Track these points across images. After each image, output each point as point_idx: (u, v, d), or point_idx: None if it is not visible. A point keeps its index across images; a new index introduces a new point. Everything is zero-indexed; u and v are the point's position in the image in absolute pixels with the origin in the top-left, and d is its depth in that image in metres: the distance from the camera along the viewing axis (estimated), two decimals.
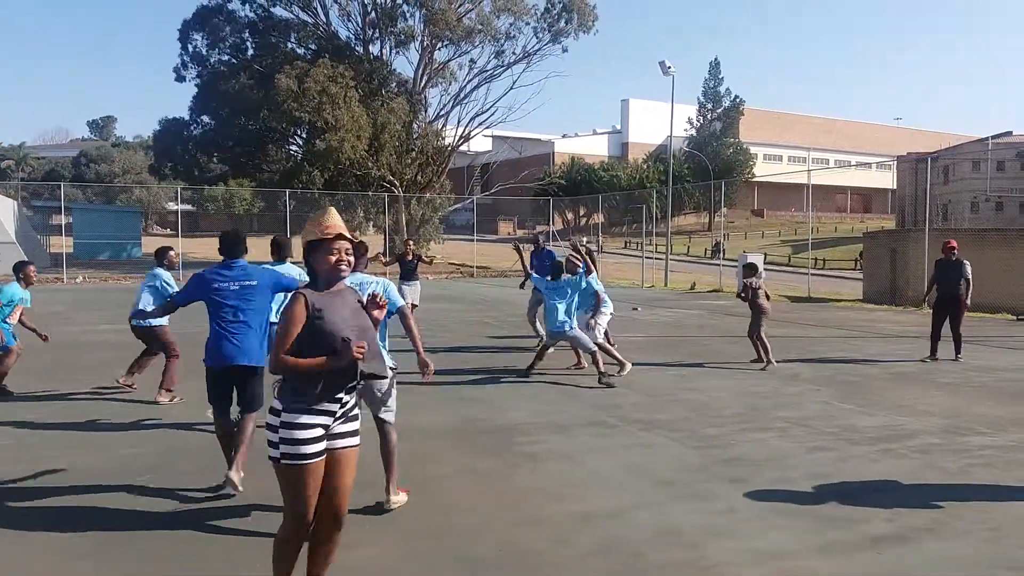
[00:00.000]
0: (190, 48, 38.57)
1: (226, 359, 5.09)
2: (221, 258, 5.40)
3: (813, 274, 27.03)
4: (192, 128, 39.38)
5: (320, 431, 3.14)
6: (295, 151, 40.64)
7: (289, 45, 39.34)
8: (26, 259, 8.91)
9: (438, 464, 5.75)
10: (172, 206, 62.73)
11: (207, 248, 44.50)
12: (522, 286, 12.36)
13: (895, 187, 69.35)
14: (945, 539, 4.37)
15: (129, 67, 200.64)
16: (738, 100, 77.05)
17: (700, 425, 7.00)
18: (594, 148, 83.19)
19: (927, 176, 25.94)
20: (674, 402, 8.02)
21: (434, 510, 4.80)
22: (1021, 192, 52.97)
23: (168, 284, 7.77)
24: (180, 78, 38.84)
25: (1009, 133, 60.83)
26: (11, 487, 5.15)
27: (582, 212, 73.49)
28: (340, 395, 3.19)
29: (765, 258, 28.83)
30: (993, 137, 59.40)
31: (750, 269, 11.08)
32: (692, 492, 5.15)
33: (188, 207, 65.51)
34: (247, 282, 5.25)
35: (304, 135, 38.37)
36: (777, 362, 10.39)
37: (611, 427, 6.92)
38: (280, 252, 6.79)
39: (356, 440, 3.30)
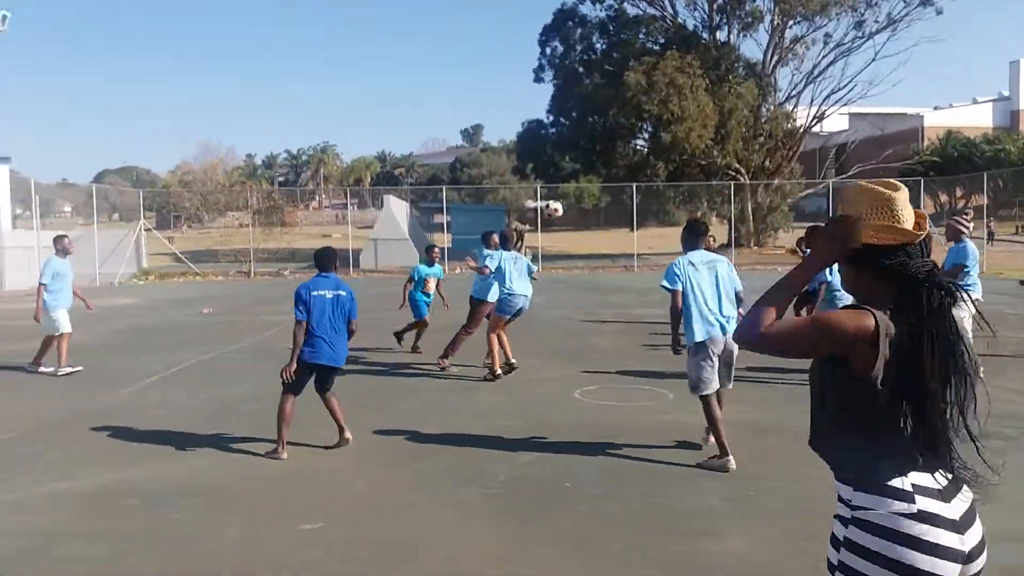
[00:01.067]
0: (547, 51, 41.39)
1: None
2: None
3: None
4: (549, 129, 42.27)
5: None
6: (641, 145, 41.53)
7: (639, 41, 40.24)
8: (432, 244, 11.82)
9: (800, 464, 5.49)
10: (531, 203, 68.00)
11: (561, 241, 47.85)
12: None
13: None
14: None
15: (494, 76, 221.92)
16: None
17: None
18: (974, 119, 72.21)
19: None
20: None
21: (807, 507, 4.63)
22: None
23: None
24: (538, 79, 41.86)
25: None
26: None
27: (959, 193, 64.37)
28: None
29: None
30: None
31: None
32: None
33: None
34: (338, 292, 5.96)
35: (650, 129, 39.03)
36: None
37: (1009, 439, 6.03)
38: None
39: None
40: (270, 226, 32.33)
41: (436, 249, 11.28)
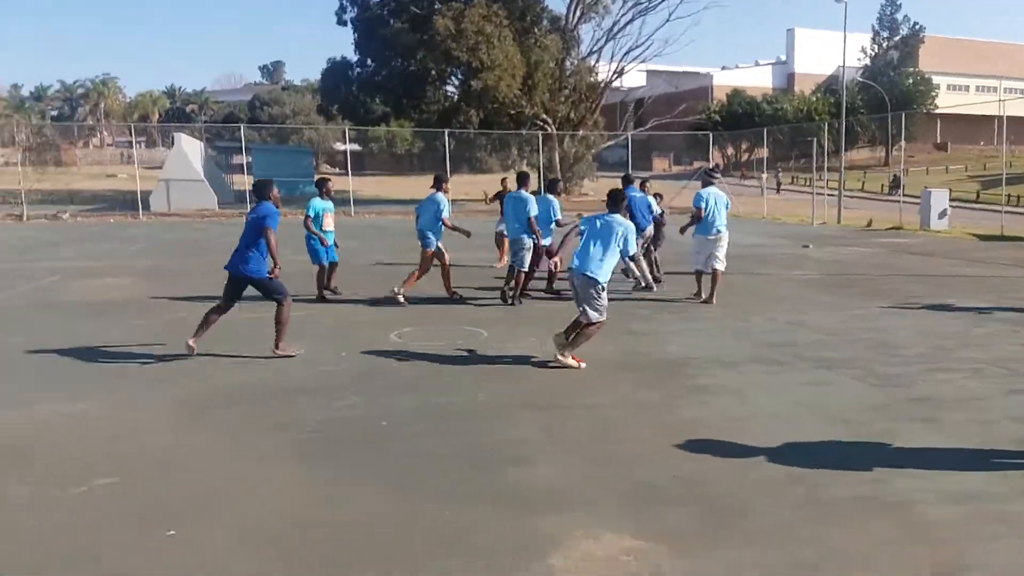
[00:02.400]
0: None
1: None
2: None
3: (1007, 211, 24.56)
4: (355, 69, 40.80)
5: None
6: (452, 92, 41.32)
7: None
8: (325, 177, 10.89)
9: (605, 393, 5.86)
10: (340, 146, 65.84)
11: (373, 186, 46.80)
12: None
13: None
14: None
15: (294, 12, 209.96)
16: (918, 27, 70.34)
17: (880, 364, 6.67)
18: (756, 80, 78.70)
19: None
20: (851, 340, 7.67)
21: (605, 434, 4.91)
22: None
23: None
24: (341, 22, 40.13)
25: None
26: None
27: (744, 147, 70.26)
28: None
29: (950, 194, 26.47)
30: None
31: None
32: (874, 430, 4.96)
33: (355, 147, 68.53)
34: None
35: (460, 76, 38.88)
36: (965, 307, 9.65)
37: (782, 364, 6.74)
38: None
39: None
40: (43, 165, 28.97)
41: (330, 182, 10.43)
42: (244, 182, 35.19)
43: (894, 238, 20.90)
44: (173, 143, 33.87)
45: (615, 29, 38.73)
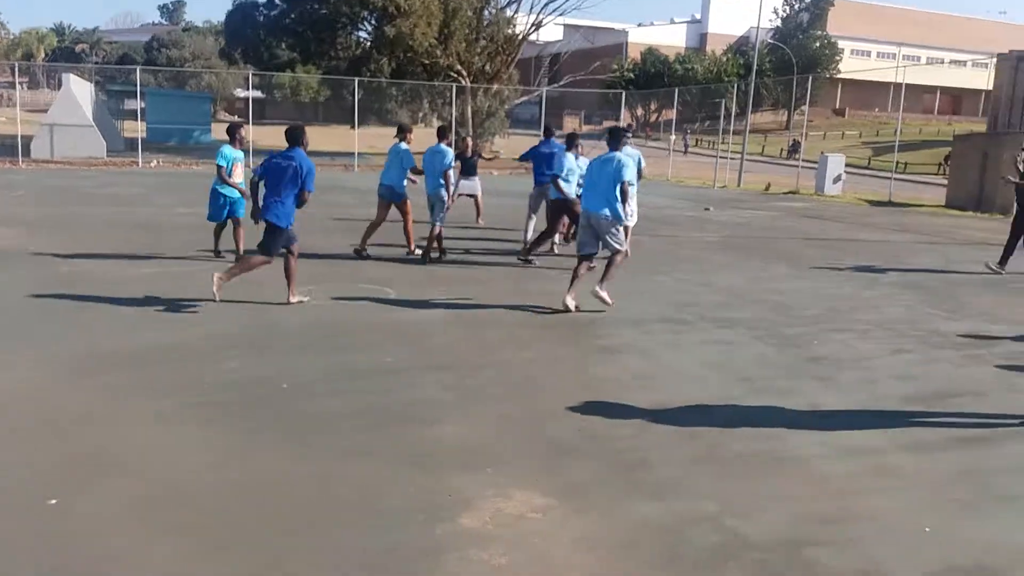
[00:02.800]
0: None
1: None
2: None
3: (896, 178, 25.86)
4: (262, 11, 38.98)
5: None
6: (364, 38, 40.04)
7: None
8: (238, 122, 9.54)
9: (515, 351, 5.87)
10: (241, 93, 63.08)
11: (275, 137, 44.95)
12: None
13: (991, 87, 64.90)
14: None
15: None
16: None
17: (779, 325, 6.94)
18: (671, 39, 79.59)
19: None
20: (752, 302, 7.94)
21: (515, 393, 4.93)
22: None
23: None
24: None
25: None
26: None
27: (653, 107, 71.18)
28: None
29: (845, 160, 27.63)
30: None
31: None
32: (773, 388, 5.16)
33: (258, 94, 65.75)
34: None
35: (374, 21, 37.68)
36: (855, 268, 10.12)
37: (688, 324, 6.92)
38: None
39: None
40: None
41: (243, 128, 9.21)
42: (137, 129, 33.27)
43: (791, 202, 21.73)
44: (61, 85, 31.58)
45: None
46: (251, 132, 31.24)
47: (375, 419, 4.41)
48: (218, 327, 6.26)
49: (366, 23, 38.86)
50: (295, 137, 6.80)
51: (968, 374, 5.60)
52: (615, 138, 7.23)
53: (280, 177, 6.62)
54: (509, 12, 38.84)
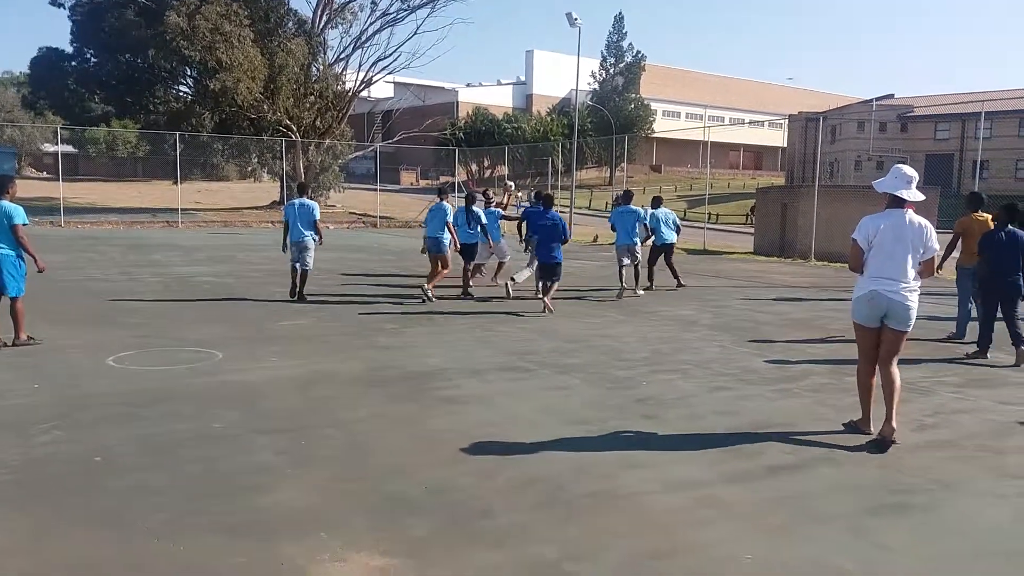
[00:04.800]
0: None
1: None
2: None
3: (708, 228, 27.97)
4: (73, 61, 36.57)
5: None
6: (185, 92, 38.52)
7: None
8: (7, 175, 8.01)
9: (352, 409, 5.72)
10: (50, 147, 58.50)
11: (89, 193, 41.92)
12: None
13: (785, 145, 72.28)
14: (840, 467, 4.71)
15: None
16: (640, 56, 77.98)
17: (613, 368, 7.22)
18: (499, 99, 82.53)
19: (817, 135, 27.03)
20: (587, 347, 8.22)
21: (353, 452, 4.79)
22: (900, 152, 56.13)
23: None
24: (56, 3, 35.80)
25: (891, 96, 64.22)
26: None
27: (486, 163, 73.13)
28: None
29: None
30: (876, 99, 62.53)
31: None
32: (606, 429, 5.33)
33: (69, 148, 61.18)
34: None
35: (195, 75, 36.37)
36: (678, 313, 10.76)
37: (527, 371, 7.04)
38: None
39: None
40: None
41: (14, 181, 7.72)
42: None
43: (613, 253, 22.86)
44: None
45: (363, 38, 38.53)
46: (61, 189, 29.07)
47: (201, 490, 4.12)
48: (25, 399, 5.66)
49: (187, 78, 37.50)
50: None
51: (779, 407, 6.06)
52: (628, 198, 12.69)
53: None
54: (338, 69, 38.84)
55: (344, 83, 38.81)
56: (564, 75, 70.43)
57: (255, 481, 4.27)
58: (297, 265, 10.97)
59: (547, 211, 10.97)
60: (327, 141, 37.02)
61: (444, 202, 11.55)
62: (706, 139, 35.17)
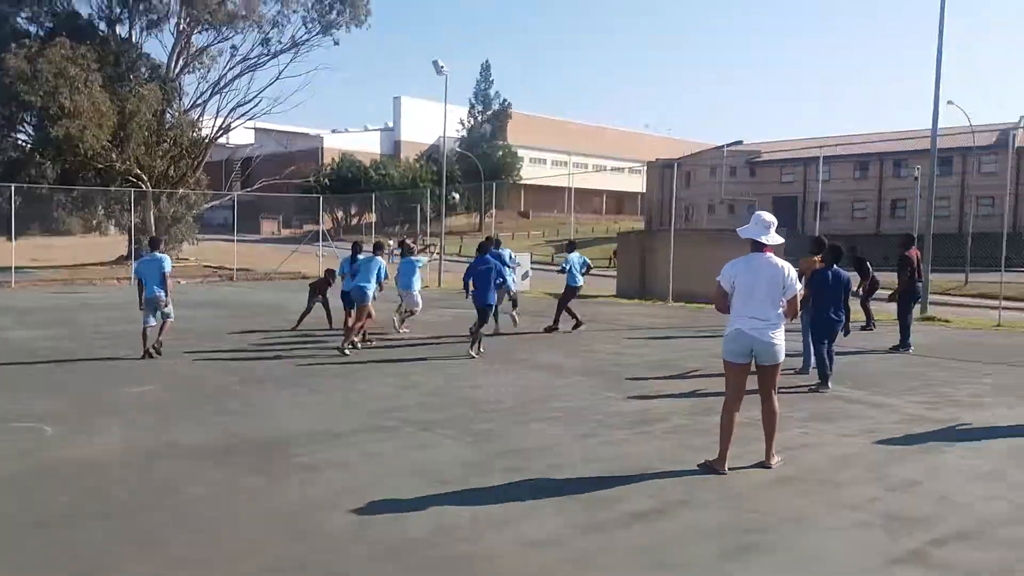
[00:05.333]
0: None
1: None
2: None
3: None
4: None
5: None
6: (24, 140, 35.99)
7: (18, 20, 34.80)
8: None
9: (199, 484, 5.34)
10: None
11: None
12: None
13: (645, 190, 75.79)
14: (696, 510, 4.82)
15: None
16: (507, 103, 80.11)
17: (477, 421, 7.14)
18: (366, 145, 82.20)
19: (673, 180, 28.48)
20: (453, 400, 8.11)
21: (199, 535, 4.44)
22: (750, 195, 60.07)
23: None
24: None
25: (740, 142, 68.80)
26: None
27: (353, 211, 72.32)
28: None
29: (532, 257, 30.10)
30: (727, 145, 66.80)
31: None
32: (469, 487, 5.23)
33: None
34: None
35: (34, 122, 34.08)
36: (545, 359, 10.87)
37: (390, 431, 6.84)
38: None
39: None
40: None
41: None
42: None
43: None
44: None
45: (222, 83, 37.47)
46: None
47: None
48: None
49: (26, 124, 35.13)
50: None
51: (642, 451, 6.16)
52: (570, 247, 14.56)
53: None
54: (194, 115, 37.51)
55: (200, 130, 37.49)
56: (432, 122, 71.15)
57: (85, 569, 3.87)
58: (151, 324, 10.84)
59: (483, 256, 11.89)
60: (180, 190, 35.42)
61: (379, 256, 12.27)
62: (570, 185, 36.33)
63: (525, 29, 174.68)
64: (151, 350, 10.70)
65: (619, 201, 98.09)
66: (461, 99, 79.39)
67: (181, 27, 36.06)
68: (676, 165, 33.20)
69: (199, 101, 37.93)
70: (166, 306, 10.88)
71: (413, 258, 13.89)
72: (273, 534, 4.39)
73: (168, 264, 11.01)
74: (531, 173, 78.21)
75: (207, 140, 37.69)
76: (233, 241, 33.93)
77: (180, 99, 37.42)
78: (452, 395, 8.38)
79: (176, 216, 35.75)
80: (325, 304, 14.28)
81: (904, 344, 11.92)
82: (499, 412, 7.54)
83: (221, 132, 38.44)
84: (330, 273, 14.72)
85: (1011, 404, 8.07)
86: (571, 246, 15.51)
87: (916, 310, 14.11)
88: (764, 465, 5.66)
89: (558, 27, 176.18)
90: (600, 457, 5.97)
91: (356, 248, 12.89)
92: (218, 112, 37.92)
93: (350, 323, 11.98)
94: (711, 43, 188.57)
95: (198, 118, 37.71)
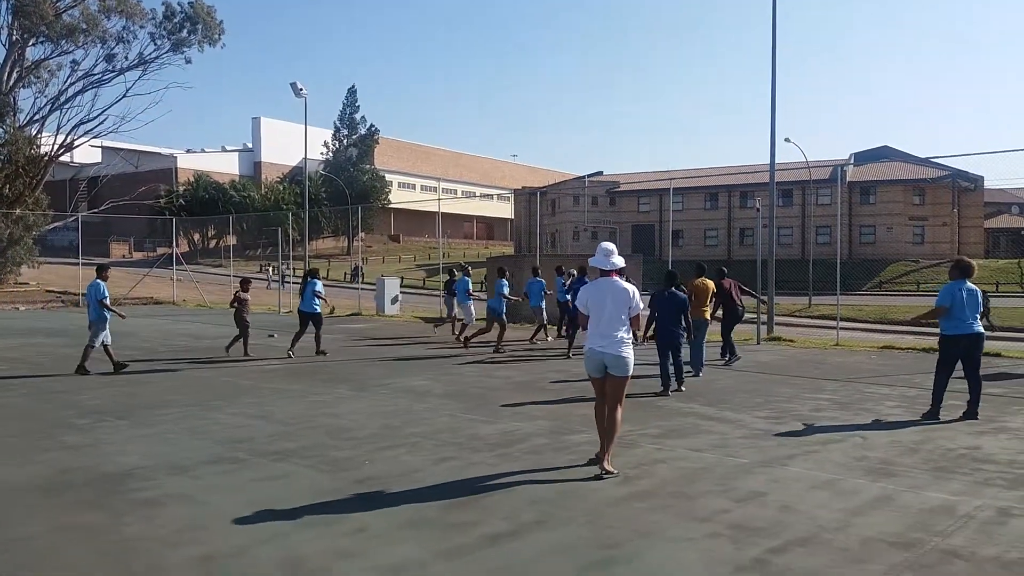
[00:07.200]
0: None
1: None
2: None
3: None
4: None
5: None
6: None
7: None
8: None
9: (27, 524, 4.87)
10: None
11: None
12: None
13: (513, 217, 77.09)
14: (553, 529, 4.85)
15: None
16: (373, 128, 79.40)
17: (334, 449, 6.92)
18: (224, 166, 78.91)
19: (538, 208, 29.14)
20: (310, 428, 7.83)
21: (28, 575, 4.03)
22: (611, 224, 62.36)
23: None
24: None
25: (600, 173, 71.44)
26: None
27: (211, 233, 69.24)
28: None
29: (402, 282, 29.83)
30: (588, 176, 69.17)
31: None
32: (321, 518, 5.03)
33: None
34: None
35: None
36: (410, 384, 10.73)
37: (240, 462, 6.50)
38: None
39: None
40: None
41: None
42: None
43: (353, 323, 22.62)
44: None
45: (62, 99, 35.06)
46: None
47: None
48: None
49: None
50: None
51: (501, 472, 6.16)
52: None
53: None
54: (32, 131, 34.86)
55: (39, 147, 34.86)
56: (295, 144, 69.44)
57: None
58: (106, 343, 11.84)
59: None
60: (17, 211, 32.71)
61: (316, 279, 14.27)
62: (439, 210, 36.33)
63: (393, 56, 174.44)
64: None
65: (490, 227, 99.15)
66: (326, 122, 78.20)
67: (14, 37, 33.53)
68: (540, 193, 33.94)
69: (37, 117, 35.37)
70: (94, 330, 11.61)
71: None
72: (110, 574, 4.05)
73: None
74: (401, 198, 77.76)
75: (47, 158, 35.07)
76: (79, 265, 31.58)
77: (14, 114, 34.70)
78: (312, 423, 8.08)
79: (13, 238, 32.96)
80: (242, 324, 14.08)
81: (732, 354, 13.47)
82: (360, 439, 7.34)
83: (62, 150, 35.92)
84: (245, 283, 15.00)
85: (847, 417, 8.70)
86: (535, 271, 17.82)
87: (763, 330, 17.34)
88: (595, 462, 6.12)
89: (425, 57, 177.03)
90: (458, 482, 5.91)
91: (313, 274, 14.55)
92: (59, 129, 35.47)
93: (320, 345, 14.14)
94: (569, 83, 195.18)
95: (36, 135, 35.08)
